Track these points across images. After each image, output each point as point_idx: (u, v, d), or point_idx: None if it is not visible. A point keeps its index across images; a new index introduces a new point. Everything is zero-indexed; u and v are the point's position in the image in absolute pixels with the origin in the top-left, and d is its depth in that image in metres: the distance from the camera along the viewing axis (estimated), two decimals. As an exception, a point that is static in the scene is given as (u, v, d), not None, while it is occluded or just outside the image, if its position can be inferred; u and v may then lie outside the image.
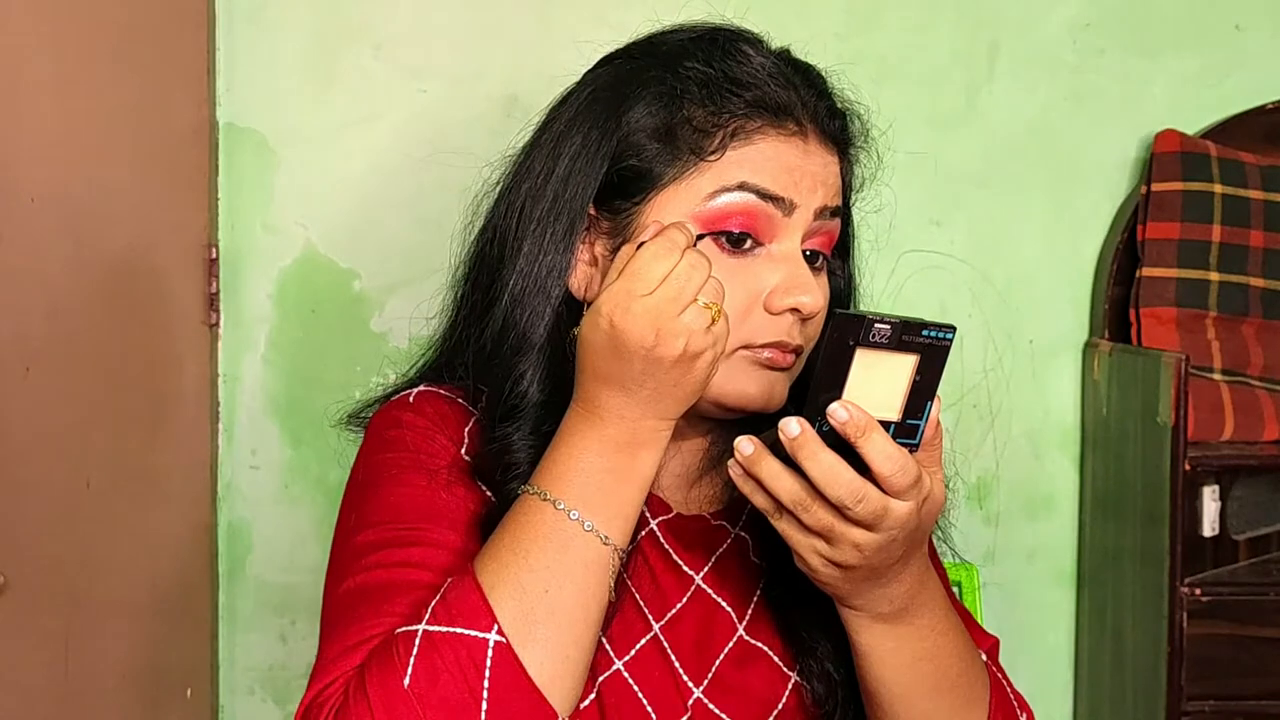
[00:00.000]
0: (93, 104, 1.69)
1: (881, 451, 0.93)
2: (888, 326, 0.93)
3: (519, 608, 0.95)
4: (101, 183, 1.71)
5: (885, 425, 0.95)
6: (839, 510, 0.94)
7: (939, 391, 0.97)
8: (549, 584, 0.96)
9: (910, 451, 0.96)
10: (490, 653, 0.94)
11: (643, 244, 0.99)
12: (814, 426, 0.94)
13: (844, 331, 0.93)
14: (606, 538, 0.99)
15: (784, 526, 0.98)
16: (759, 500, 0.98)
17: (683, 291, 0.96)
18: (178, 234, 1.95)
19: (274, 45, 2.04)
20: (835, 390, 0.94)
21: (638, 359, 0.96)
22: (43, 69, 1.57)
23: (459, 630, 0.94)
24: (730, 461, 0.98)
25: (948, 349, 0.95)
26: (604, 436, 0.99)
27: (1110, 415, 2.03)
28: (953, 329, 0.95)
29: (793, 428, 0.93)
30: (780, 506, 0.97)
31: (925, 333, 0.94)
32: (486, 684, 0.93)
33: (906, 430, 0.96)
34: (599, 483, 0.99)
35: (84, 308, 1.67)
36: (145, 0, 1.83)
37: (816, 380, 0.94)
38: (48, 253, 1.58)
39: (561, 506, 0.98)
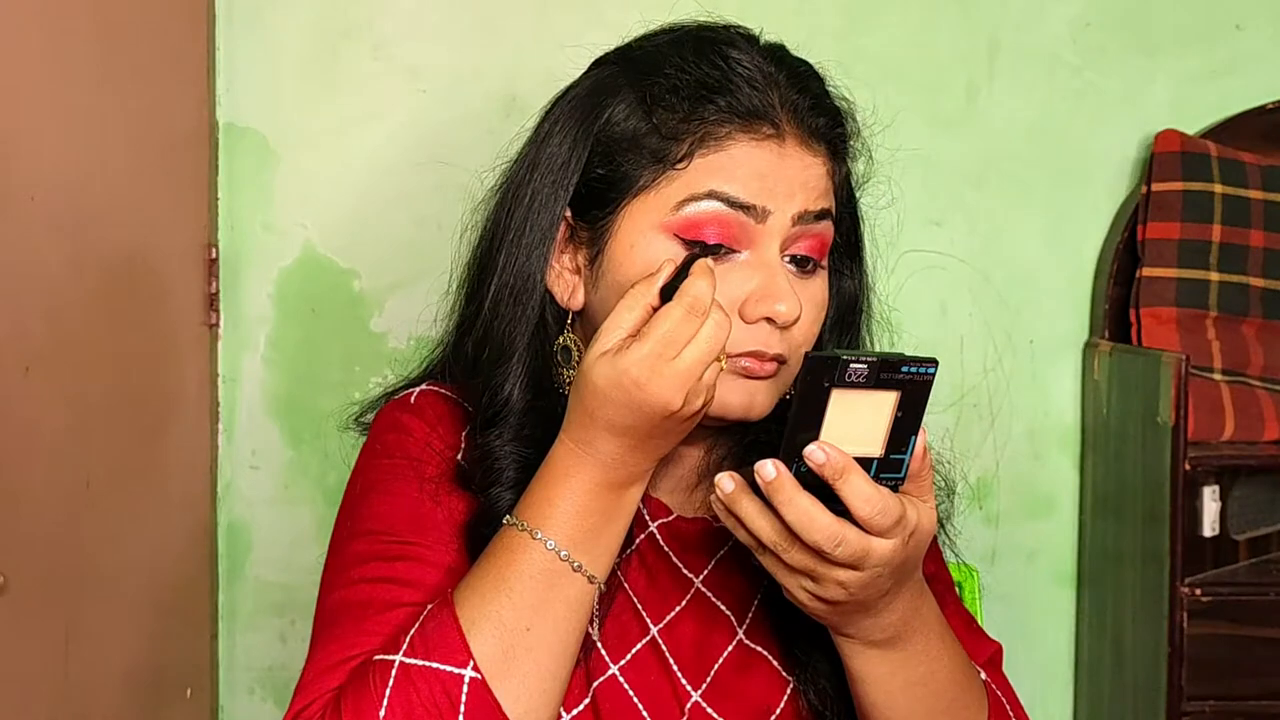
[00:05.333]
0: (93, 104, 1.69)
1: (860, 494, 0.92)
2: (864, 366, 0.91)
3: (499, 644, 0.96)
4: (101, 183, 1.71)
5: (868, 461, 0.93)
6: (818, 553, 0.93)
7: (924, 423, 0.95)
8: (532, 622, 0.97)
9: (896, 486, 0.95)
10: (465, 689, 0.95)
11: (664, 288, 0.97)
12: (793, 467, 0.92)
13: (818, 373, 0.91)
14: (593, 576, 0.99)
15: (768, 562, 0.97)
16: (741, 536, 0.97)
17: (709, 354, 0.95)
18: (178, 234, 1.95)
19: (274, 45, 2.04)
20: (813, 431, 0.92)
21: (659, 417, 0.96)
22: (42, 69, 1.57)
23: (435, 665, 0.95)
24: (712, 497, 0.97)
25: (930, 384, 0.93)
26: (601, 480, 0.99)
27: (1110, 415, 2.03)
28: (934, 363, 0.92)
29: (768, 470, 0.92)
30: (762, 545, 0.96)
31: (905, 369, 0.92)
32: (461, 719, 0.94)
33: (891, 465, 0.94)
34: (591, 524, 0.99)
35: (84, 308, 1.67)
36: (145, 0, 1.83)
37: (793, 420, 0.92)
38: (48, 253, 1.58)
39: (551, 546, 0.98)
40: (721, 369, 0.97)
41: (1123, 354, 2.02)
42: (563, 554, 0.98)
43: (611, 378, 0.96)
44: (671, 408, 0.95)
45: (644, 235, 1.03)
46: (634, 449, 0.98)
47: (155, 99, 1.86)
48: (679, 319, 0.95)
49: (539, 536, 0.98)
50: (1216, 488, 1.95)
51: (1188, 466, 1.83)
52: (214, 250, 2.02)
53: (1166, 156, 2.04)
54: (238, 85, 2.03)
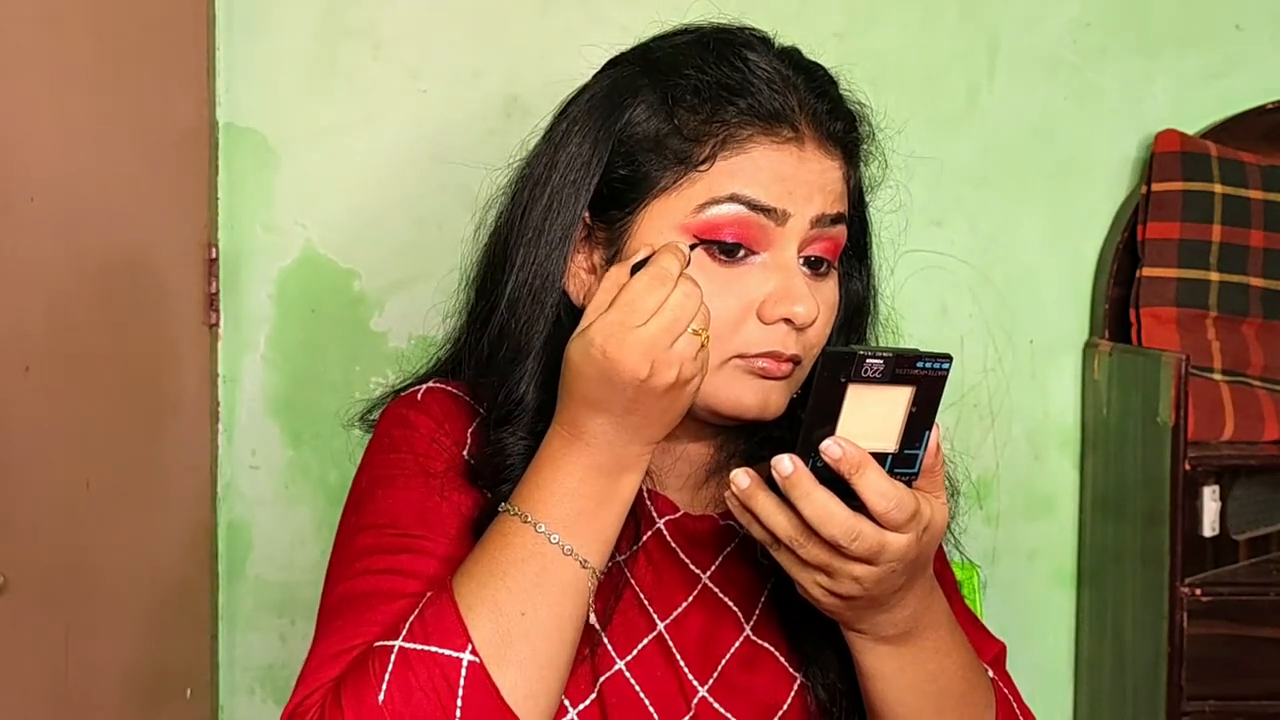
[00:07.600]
0: (93, 104, 1.69)
1: (876, 488, 0.93)
2: (880, 361, 0.92)
3: (495, 629, 0.96)
4: (101, 183, 1.71)
5: (882, 456, 0.94)
6: (835, 548, 0.94)
7: (937, 419, 0.95)
8: (525, 606, 0.97)
9: (909, 481, 0.95)
10: (464, 672, 0.95)
11: (635, 265, 0.99)
12: (808, 462, 0.93)
13: (835, 368, 0.92)
14: (585, 561, 0.99)
15: (783, 558, 0.98)
16: (756, 532, 0.98)
17: (677, 322, 0.96)
18: (178, 234, 1.95)
19: (274, 45, 2.04)
20: (828, 426, 0.93)
21: (630, 388, 0.96)
22: (43, 69, 1.57)
23: (434, 649, 0.95)
24: (727, 493, 0.98)
25: (944, 379, 0.94)
26: (588, 462, 0.99)
27: (1110, 415, 2.03)
28: (949, 359, 0.93)
29: (785, 465, 0.93)
30: (778, 540, 0.96)
31: (920, 364, 0.93)
32: (459, 703, 0.94)
33: (904, 460, 0.95)
34: (581, 507, 0.99)
35: (84, 308, 1.67)
36: (145, 0, 1.83)
37: (809, 416, 0.93)
38: (48, 253, 1.58)
39: (542, 530, 0.99)
40: (703, 345, 0.97)
41: (1123, 354, 2.02)
42: (553, 538, 0.98)
43: (581, 349, 0.97)
44: (639, 376, 0.95)
45: (663, 236, 1.04)
46: (617, 427, 0.98)
47: (155, 99, 1.86)
48: (642, 287, 0.96)
49: (530, 520, 0.99)
50: (1216, 488, 1.95)
51: (1188, 466, 1.83)
52: (214, 250, 2.02)
53: (1166, 156, 2.05)
54: (238, 85, 2.03)
